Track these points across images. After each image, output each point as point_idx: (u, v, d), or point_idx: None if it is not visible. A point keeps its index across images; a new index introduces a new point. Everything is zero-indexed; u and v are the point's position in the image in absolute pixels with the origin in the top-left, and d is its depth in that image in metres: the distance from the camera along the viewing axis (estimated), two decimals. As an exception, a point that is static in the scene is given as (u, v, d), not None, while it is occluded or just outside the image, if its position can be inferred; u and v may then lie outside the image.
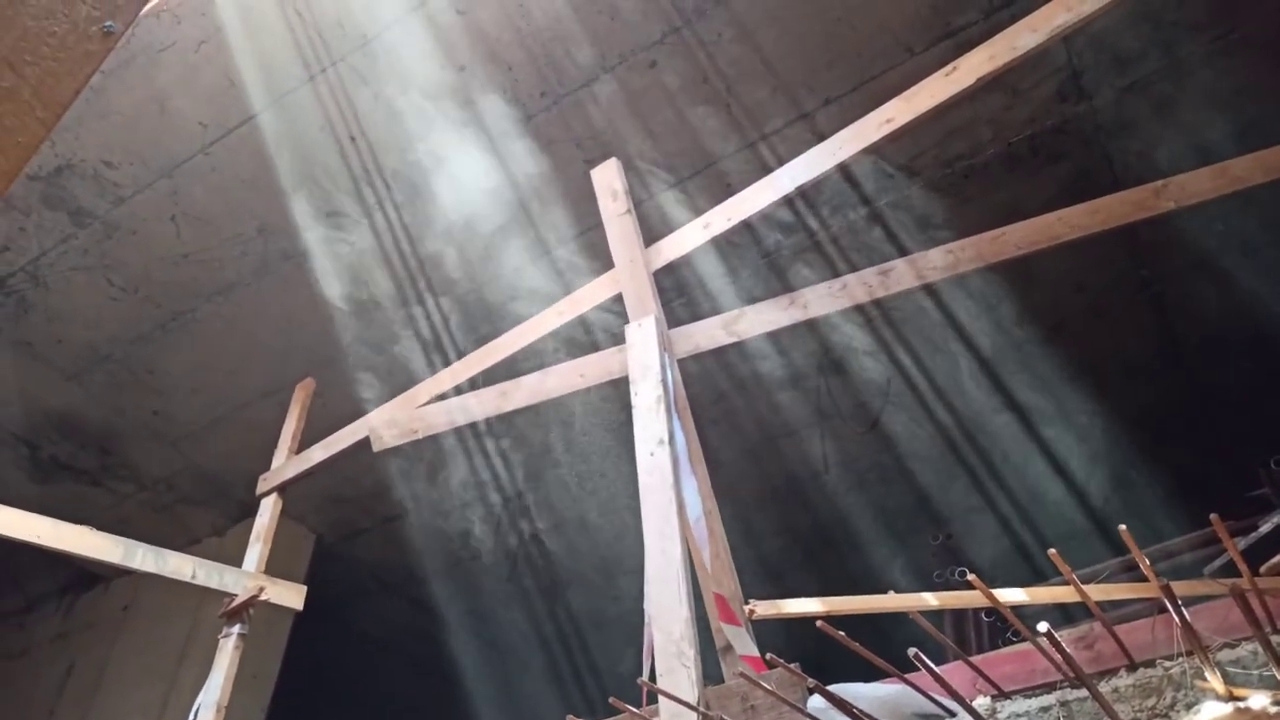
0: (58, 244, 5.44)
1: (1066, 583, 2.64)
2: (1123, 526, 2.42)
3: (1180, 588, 2.67)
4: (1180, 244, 5.29)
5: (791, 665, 2.59)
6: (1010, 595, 3.10)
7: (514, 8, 4.61)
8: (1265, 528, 3.53)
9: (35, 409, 6.37)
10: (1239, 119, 4.78)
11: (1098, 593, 2.86)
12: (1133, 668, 2.62)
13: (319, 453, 5.28)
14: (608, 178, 4.61)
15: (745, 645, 3.39)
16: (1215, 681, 2.38)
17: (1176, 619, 2.36)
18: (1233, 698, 2.34)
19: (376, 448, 4.97)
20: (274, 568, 5.02)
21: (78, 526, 4.33)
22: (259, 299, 5.77)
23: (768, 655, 2.64)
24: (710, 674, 3.03)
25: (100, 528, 4.48)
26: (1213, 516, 2.39)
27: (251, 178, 5.19)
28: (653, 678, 2.88)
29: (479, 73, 4.81)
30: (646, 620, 3.11)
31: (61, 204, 5.25)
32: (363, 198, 5.30)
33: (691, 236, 4.29)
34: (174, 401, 6.37)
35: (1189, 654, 2.49)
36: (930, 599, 3.40)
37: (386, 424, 4.96)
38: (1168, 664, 2.56)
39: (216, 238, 5.46)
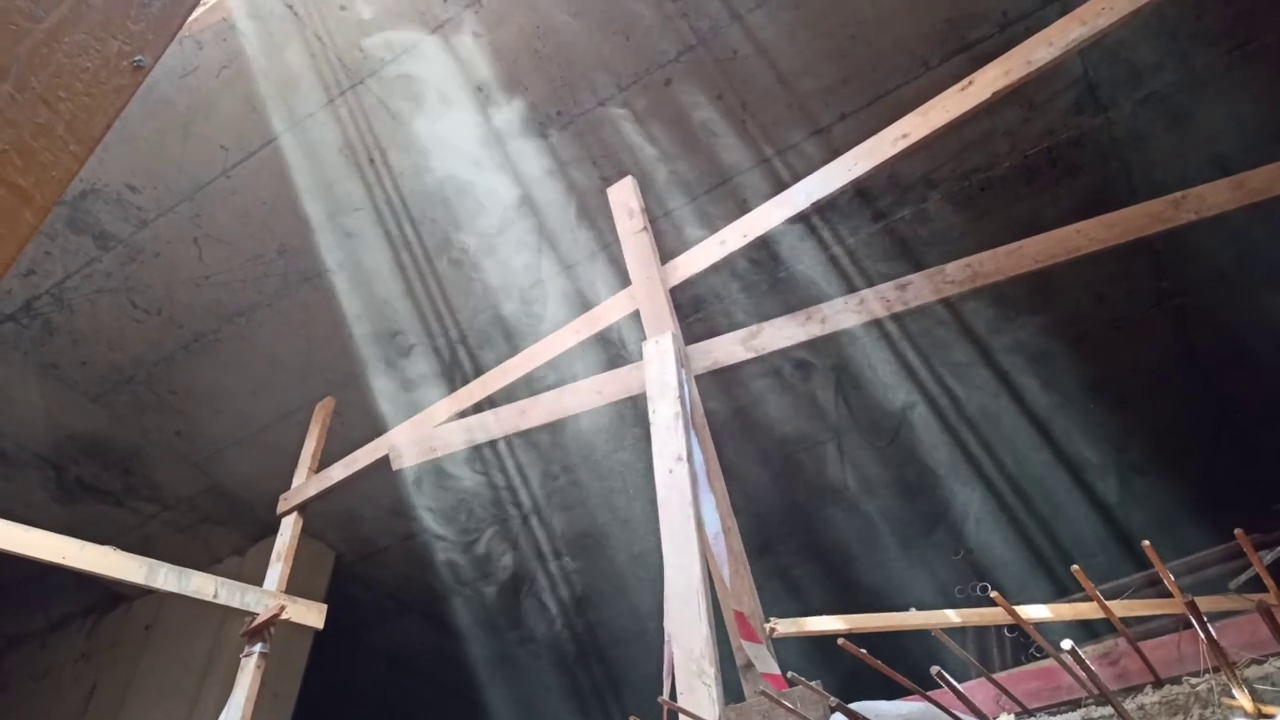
0: (82, 267, 5.51)
1: (1090, 598, 2.62)
2: (1146, 541, 2.41)
3: (1205, 603, 2.65)
4: (1200, 255, 5.26)
5: (813, 683, 2.58)
6: (1033, 612, 3.08)
7: (531, 30, 4.65)
8: (1291, 541, 3.49)
9: (60, 431, 6.44)
10: (1257, 130, 4.76)
11: (1122, 609, 2.84)
12: (1159, 685, 2.59)
13: (339, 471, 5.32)
14: (624, 196, 4.64)
15: (766, 663, 3.38)
16: (1243, 699, 2.35)
17: (1202, 635, 2.34)
18: (1261, 715, 2.31)
19: (396, 466, 5.01)
20: (294, 586, 5.04)
21: (102, 547, 4.38)
22: (280, 319, 5.82)
23: (789, 673, 2.64)
24: (731, 692, 3.02)
25: (123, 548, 4.53)
26: (1237, 531, 2.37)
27: (272, 200, 5.25)
28: (673, 696, 2.87)
29: (496, 94, 4.85)
30: (666, 638, 3.10)
31: (86, 228, 5.33)
32: (382, 218, 5.35)
33: (708, 253, 4.31)
34: (196, 422, 6.42)
35: (1216, 670, 2.46)
36: (953, 616, 3.38)
37: (406, 443, 4.99)
38: (1194, 681, 2.53)
39: (238, 259, 5.52)
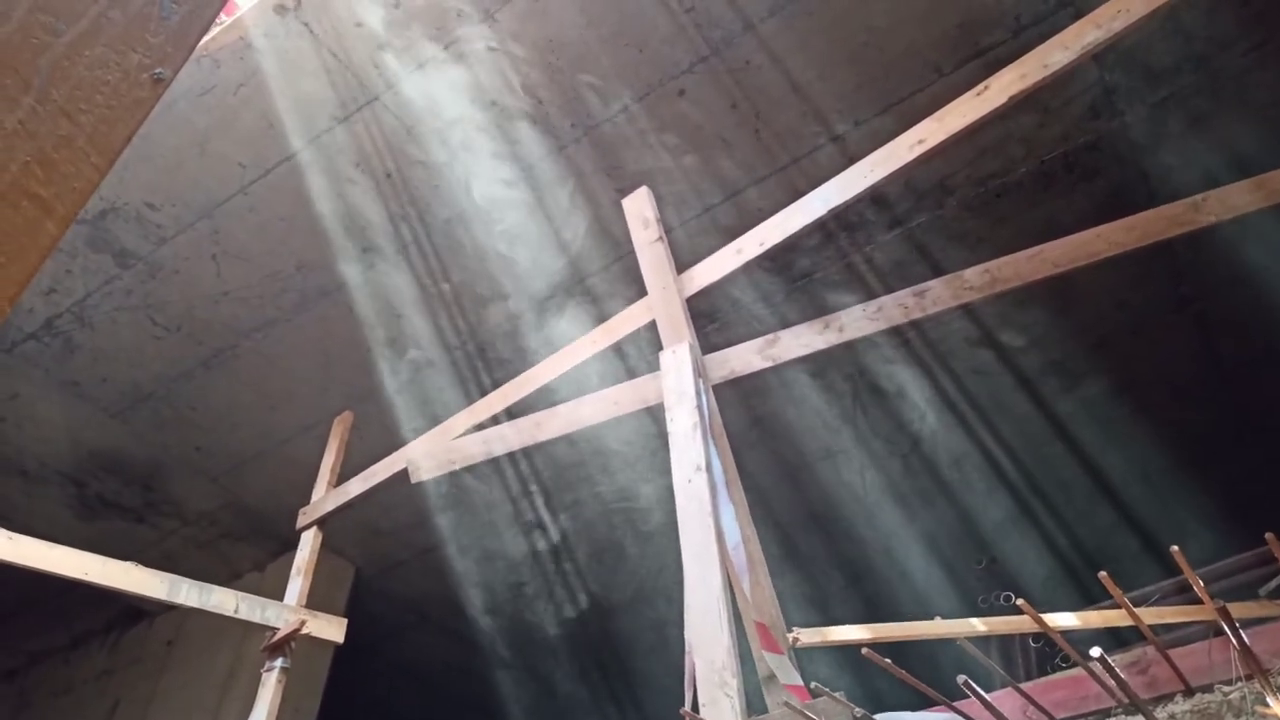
0: (102, 285, 5.56)
1: (1117, 606, 2.59)
2: (1175, 547, 2.38)
3: (1236, 609, 2.60)
4: (1221, 259, 5.20)
5: (837, 694, 2.56)
6: (1060, 620, 3.04)
7: (544, 44, 4.67)
8: (1322, 546, 3.43)
9: (81, 447, 6.49)
10: (1277, 130, 4.72)
11: (1150, 616, 2.80)
12: (1189, 693, 2.55)
13: (358, 485, 5.33)
14: (639, 206, 4.65)
15: (789, 674, 3.35)
16: (1277, 707, 2.31)
17: (1234, 642, 2.30)
18: (1296, 723, 2.27)
19: (414, 479, 5.01)
20: (314, 600, 5.05)
21: (123, 563, 4.40)
22: (298, 335, 5.85)
23: (812, 684, 2.61)
24: (753, 704, 3.00)
25: (144, 563, 4.55)
26: (1268, 535, 2.33)
27: (290, 216, 5.28)
28: (695, 708, 2.85)
29: (510, 107, 4.87)
30: (688, 649, 3.09)
31: (106, 246, 5.38)
32: (398, 233, 5.38)
33: (724, 262, 4.30)
34: (216, 437, 6.45)
35: (1248, 678, 2.42)
36: (978, 624, 3.34)
37: (424, 455, 5.00)
38: (1226, 689, 2.49)
39: (256, 275, 5.55)
